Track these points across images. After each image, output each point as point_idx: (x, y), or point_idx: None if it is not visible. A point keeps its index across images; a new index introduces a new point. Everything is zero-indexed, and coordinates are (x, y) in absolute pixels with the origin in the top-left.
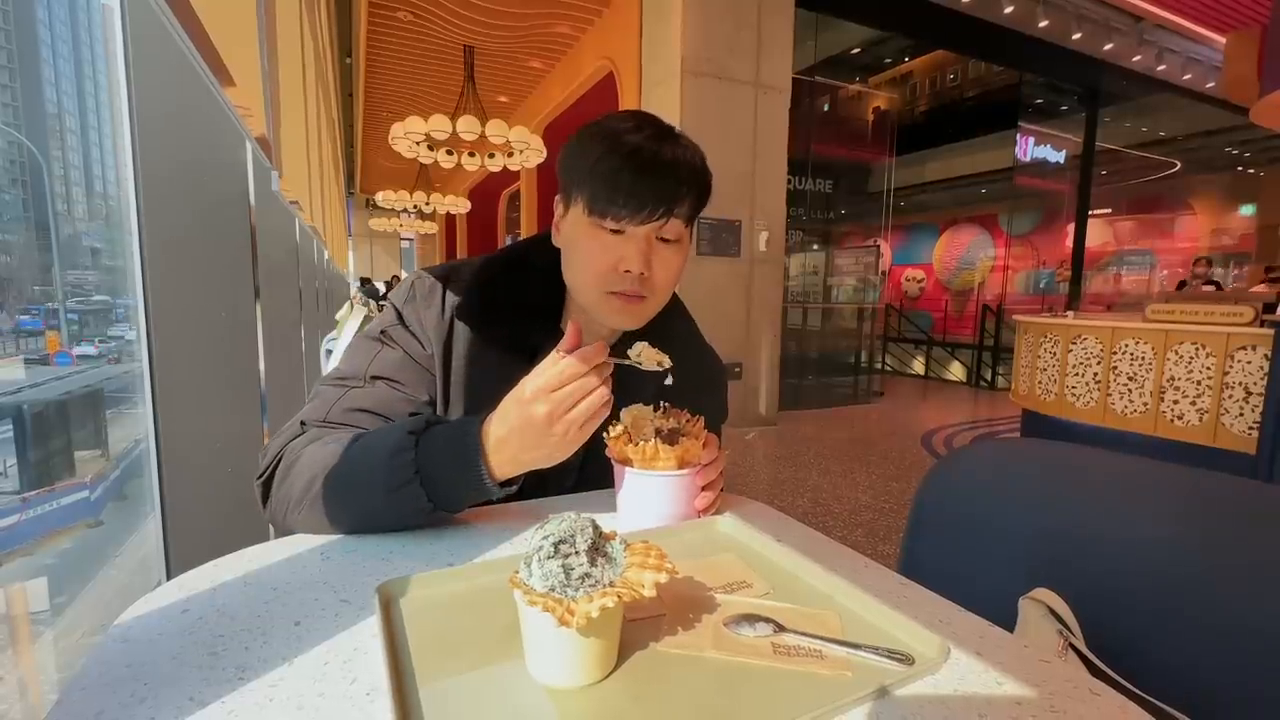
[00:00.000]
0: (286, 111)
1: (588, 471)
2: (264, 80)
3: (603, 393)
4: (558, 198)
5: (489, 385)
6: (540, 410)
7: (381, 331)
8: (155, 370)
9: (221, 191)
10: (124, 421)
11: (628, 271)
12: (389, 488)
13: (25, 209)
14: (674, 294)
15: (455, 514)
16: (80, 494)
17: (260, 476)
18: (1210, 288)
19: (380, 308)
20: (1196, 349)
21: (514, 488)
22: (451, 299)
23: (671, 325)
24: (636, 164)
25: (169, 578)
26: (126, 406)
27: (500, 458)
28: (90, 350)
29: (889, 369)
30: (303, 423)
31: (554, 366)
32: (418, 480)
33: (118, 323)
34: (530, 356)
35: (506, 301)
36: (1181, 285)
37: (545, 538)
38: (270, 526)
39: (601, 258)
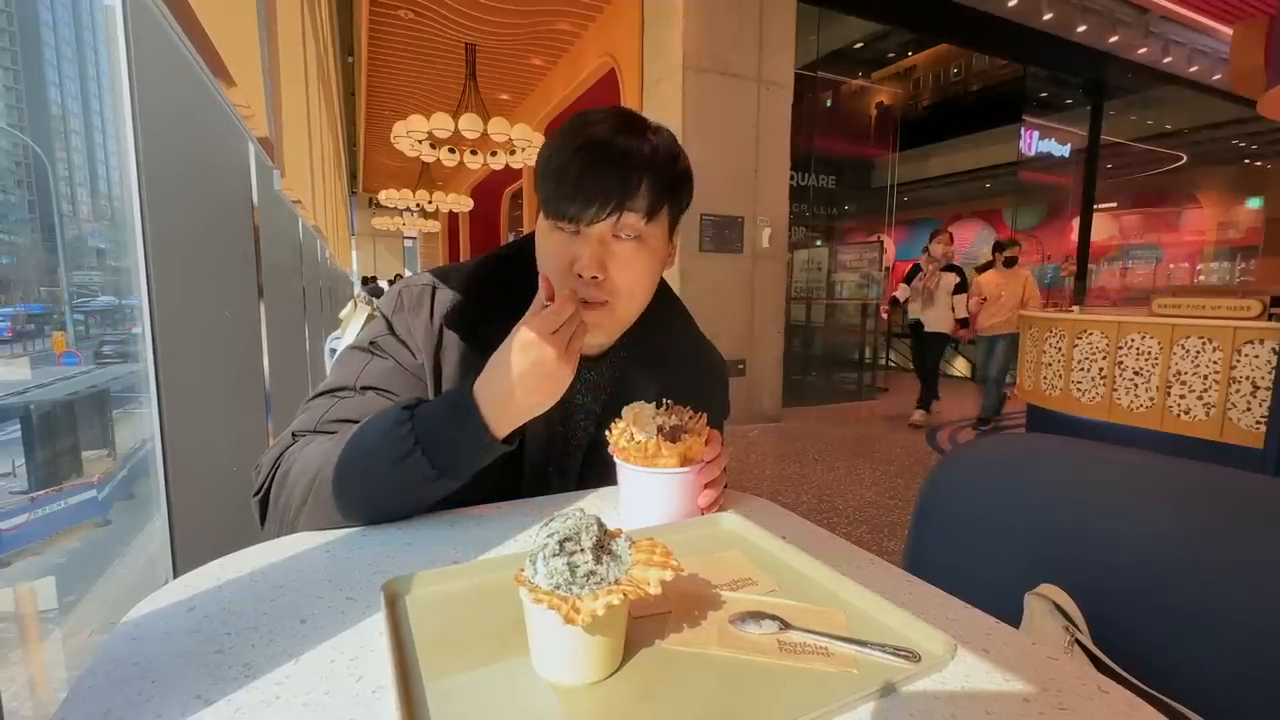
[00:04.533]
0: (288, 111)
1: (590, 470)
2: (265, 80)
3: (570, 307)
4: None
5: None
6: (548, 353)
7: (371, 342)
8: (160, 370)
9: (225, 192)
10: (130, 421)
11: (580, 275)
12: (390, 461)
13: (31, 210)
14: (669, 291)
15: (460, 481)
16: (88, 494)
17: (257, 492)
18: (952, 274)
19: None
20: (1203, 343)
21: (513, 445)
22: (440, 306)
23: (670, 321)
24: (583, 159)
25: (175, 576)
26: (133, 406)
27: (499, 411)
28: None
29: (892, 364)
30: (294, 434)
31: (548, 310)
32: (419, 449)
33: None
34: None
35: (497, 305)
36: (914, 271)
37: (550, 535)
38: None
39: (558, 259)
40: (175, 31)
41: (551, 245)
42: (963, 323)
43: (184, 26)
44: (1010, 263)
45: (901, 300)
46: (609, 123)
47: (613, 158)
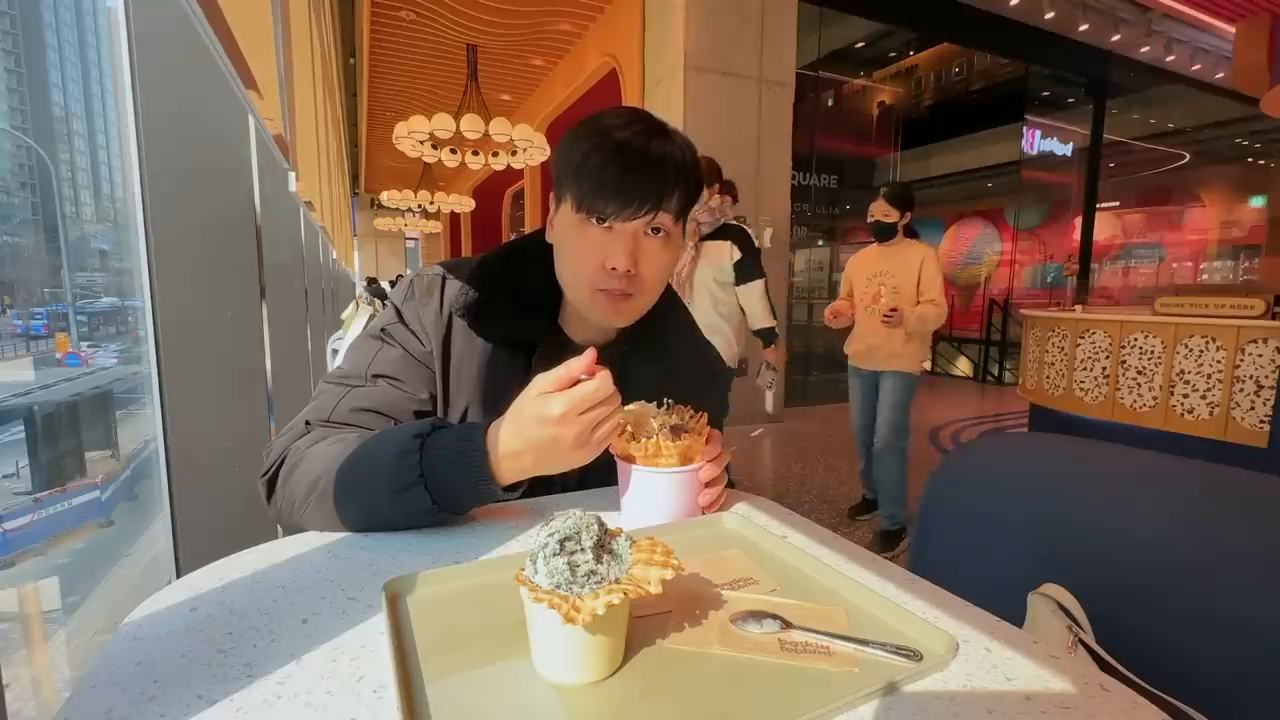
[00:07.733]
0: (299, 114)
1: (591, 469)
2: (280, 82)
3: (620, 416)
4: (552, 194)
5: (487, 381)
6: (569, 433)
7: (382, 330)
8: (163, 371)
9: (228, 193)
10: (133, 422)
11: (614, 269)
12: (394, 489)
13: (35, 211)
14: (671, 288)
15: (460, 515)
16: (91, 494)
17: (264, 474)
18: (723, 243)
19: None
20: (1206, 342)
21: (518, 493)
22: (450, 296)
23: (668, 319)
24: (623, 160)
25: (178, 576)
26: (135, 407)
27: (510, 465)
28: None
29: None
30: (307, 422)
31: (583, 389)
32: (422, 483)
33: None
34: (528, 353)
35: (504, 298)
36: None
37: (551, 535)
38: (278, 525)
39: (590, 255)
40: (206, 34)
41: (581, 239)
42: (767, 336)
43: (216, 30)
44: (884, 232)
45: None
46: (638, 125)
47: (651, 160)
